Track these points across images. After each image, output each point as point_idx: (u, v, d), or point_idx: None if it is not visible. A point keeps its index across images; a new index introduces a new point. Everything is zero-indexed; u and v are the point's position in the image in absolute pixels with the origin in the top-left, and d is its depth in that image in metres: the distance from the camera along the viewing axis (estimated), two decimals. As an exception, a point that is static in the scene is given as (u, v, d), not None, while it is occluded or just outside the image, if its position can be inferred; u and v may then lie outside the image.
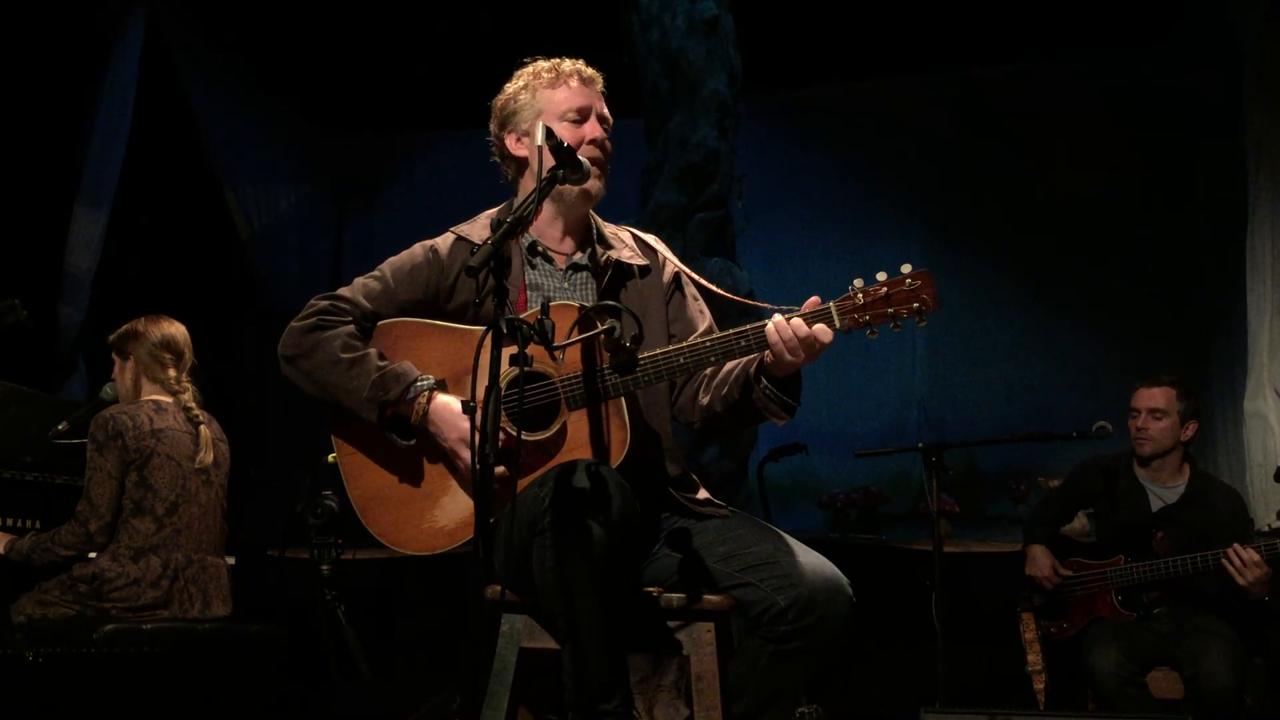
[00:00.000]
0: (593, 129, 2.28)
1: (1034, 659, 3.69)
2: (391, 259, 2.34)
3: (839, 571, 2.09)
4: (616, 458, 2.08)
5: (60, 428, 3.56)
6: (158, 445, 3.20)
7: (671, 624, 2.13)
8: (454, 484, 2.18)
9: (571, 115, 2.28)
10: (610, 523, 1.91)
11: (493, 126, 2.37)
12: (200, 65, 6.83)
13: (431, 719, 3.54)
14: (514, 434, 1.99)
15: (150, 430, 3.20)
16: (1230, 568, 3.37)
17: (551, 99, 2.29)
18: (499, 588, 2.07)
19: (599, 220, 2.39)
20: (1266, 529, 4.12)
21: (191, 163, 6.94)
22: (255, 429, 6.97)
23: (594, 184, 2.23)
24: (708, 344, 2.08)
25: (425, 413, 2.13)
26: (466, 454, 2.08)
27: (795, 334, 2.00)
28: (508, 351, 1.89)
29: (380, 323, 2.28)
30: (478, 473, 1.79)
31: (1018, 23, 7.20)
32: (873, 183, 8.48)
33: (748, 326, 2.06)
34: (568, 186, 2.17)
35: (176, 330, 3.40)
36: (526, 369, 2.00)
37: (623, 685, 2.00)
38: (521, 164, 2.34)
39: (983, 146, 8.07)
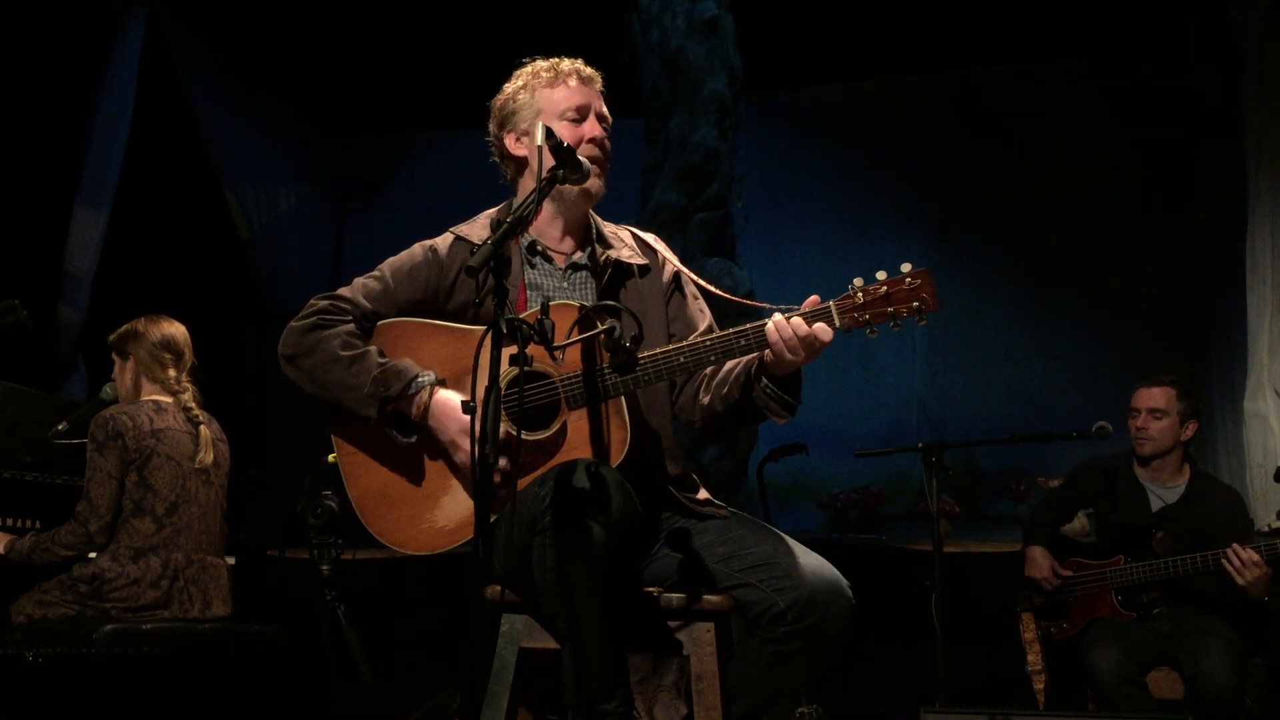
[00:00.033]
0: (592, 128, 2.28)
1: (1034, 659, 3.69)
2: (391, 259, 2.34)
3: (839, 573, 2.08)
4: (616, 457, 2.08)
5: (60, 428, 3.56)
6: (158, 445, 3.20)
7: (671, 624, 2.13)
8: (454, 483, 2.18)
9: (570, 114, 2.28)
10: (610, 523, 1.91)
11: (492, 126, 2.37)
12: (200, 65, 6.84)
13: (431, 719, 3.54)
14: (514, 433, 1.99)
15: (150, 430, 3.20)
16: (1230, 568, 3.37)
17: (550, 98, 2.29)
18: (499, 588, 2.07)
19: (598, 219, 2.39)
20: (1266, 529, 4.12)
21: (191, 163, 6.94)
22: (255, 429, 6.97)
23: (594, 183, 2.23)
24: (707, 343, 2.08)
25: (427, 407, 2.13)
26: (467, 446, 2.07)
27: (795, 333, 2.00)
28: (508, 351, 1.89)
29: (380, 323, 2.28)
30: (478, 473, 1.79)
31: (1018, 23, 7.20)
32: (873, 183, 8.48)
33: (747, 325, 2.06)
34: (568, 186, 2.17)
35: (176, 330, 3.40)
36: (526, 369, 2.00)
37: (623, 685, 2.00)
38: (521, 164, 2.34)
39: (983, 146, 8.07)
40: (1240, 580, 3.36)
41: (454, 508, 2.17)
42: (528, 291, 2.26)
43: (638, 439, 2.10)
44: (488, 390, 1.82)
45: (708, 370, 2.25)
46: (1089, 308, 7.90)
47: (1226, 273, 5.84)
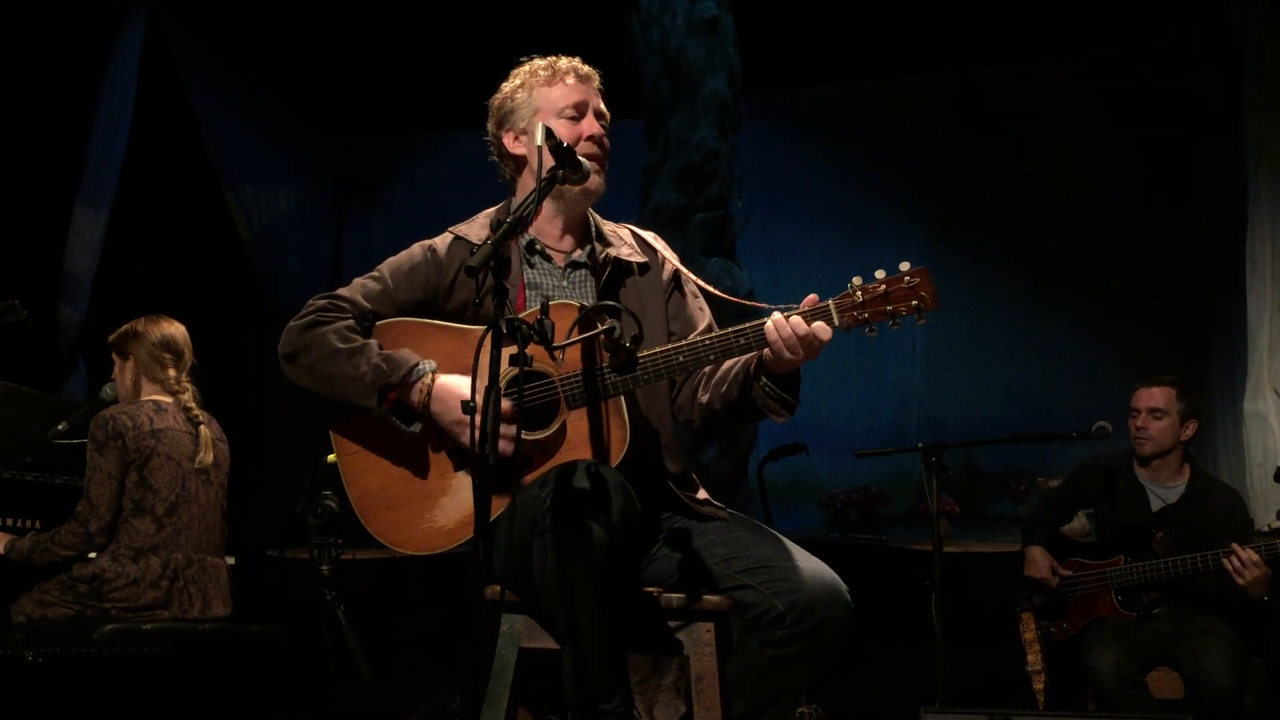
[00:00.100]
0: (590, 125, 2.28)
1: (1034, 659, 3.69)
2: (390, 259, 2.34)
3: (838, 577, 2.08)
4: (616, 457, 2.08)
5: (60, 428, 3.56)
6: (158, 445, 3.20)
7: (671, 624, 2.13)
8: (454, 483, 2.18)
9: (569, 112, 2.28)
10: (610, 523, 1.91)
11: (490, 125, 2.37)
12: (200, 65, 6.84)
13: (431, 719, 3.53)
14: (514, 433, 1.99)
15: (150, 430, 3.20)
16: (1230, 568, 3.37)
17: (548, 96, 2.29)
18: (499, 588, 2.07)
19: (598, 218, 2.39)
20: (1266, 529, 4.13)
21: (191, 163, 6.94)
22: (255, 429, 6.97)
23: (594, 181, 2.22)
24: (707, 342, 2.08)
25: (429, 392, 2.13)
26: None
27: (794, 331, 2.00)
28: (507, 351, 1.89)
29: (379, 322, 2.28)
30: (478, 473, 1.79)
31: (1018, 23, 7.21)
32: (873, 183, 8.48)
33: (747, 325, 2.06)
34: (568, 186, 2.16)
35: (176, 330, 3.40)
36: (526, 369, 2.00)
37: (623, 685, 2.00)
38: (520, 162, 2.34)
39: (983, 146, 8.07)
40: (1240, 580, 3.36)
41: (454, 507, 2.17)
42: (527, 291, 2.26)
43: (637, 438, 2.10)
44: (487, 390, 1.82)
45: (707, 369, 2.25)
46: (1089, 308, 7.90)
47: (1226, 273, 5.85)
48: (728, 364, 2.21)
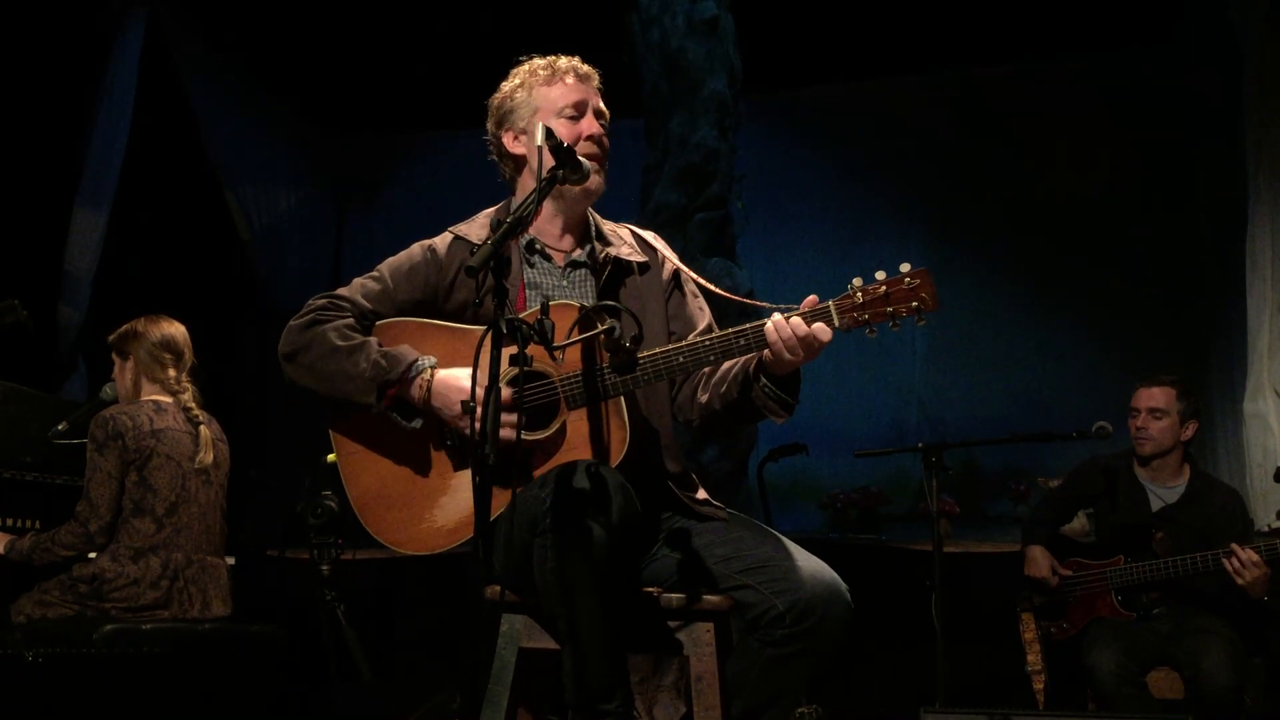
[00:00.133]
0: (589, 125, 2.28)
1: (1034, 659, 3.69)
2: (390, 259, 2.34)
3: (837, 577, 2.08)
4: (616, 457, 2.08)
5: (60, 428, 3.56)
6: (158, 445, 3.20)
7: (671, 624, 2.13)
8: (454, 483, 2.18)
9: (568, 111, 2.28)
10: (610, 523, 1.91)
11: (490, 125, 2.37)
12: (200, 65, 6.84)
13: (431, 719, 3.53)
14: (514, 434, 1.99)
15: (150, 430, 3.20)
16: (1230, 568, 3.37)
17: (548, 96, 2.29)
18: (499, 588, 2.07)
19: (598, 217, 2.39)
20: (1266, 529, 4.13)
21: (191, 163, 6.94)
22: (255, 429, 6.97)
23: (594, 180, 2.22)
24: (707, 343, 2.08)
25: (429, 386, 2.12)
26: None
27: (794, 332, 2.00)
28: (507, 351, 1.89)
29: (379, 322, 2.28)
30: (477, 473, 1.79)
31: (1018, 23, 7.20)
32: (873, 183, 8.48)
33: (747, 325, 2.06)
34: (568, 186, 2.16)
35: (176, 330, 3.40)
36: (526, 369, 2.00)
37: (623, 685, 2.00)
38: (519, 162, 2.34)
39: (983, 146, 8.07)
40: (1240, 580, 3.36)
41: (454, 507, 2.17)
42: (527, 290, 2.26)
43: (637, 438, 2.10)
44: (487, 390, 1.82)
45: (706, 369, 2.25)
46: (1089, 308, 7.90)
47: (1226, 273, 5.84)
48: (727, 364, 2.21)
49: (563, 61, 2.32)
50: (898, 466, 7.62)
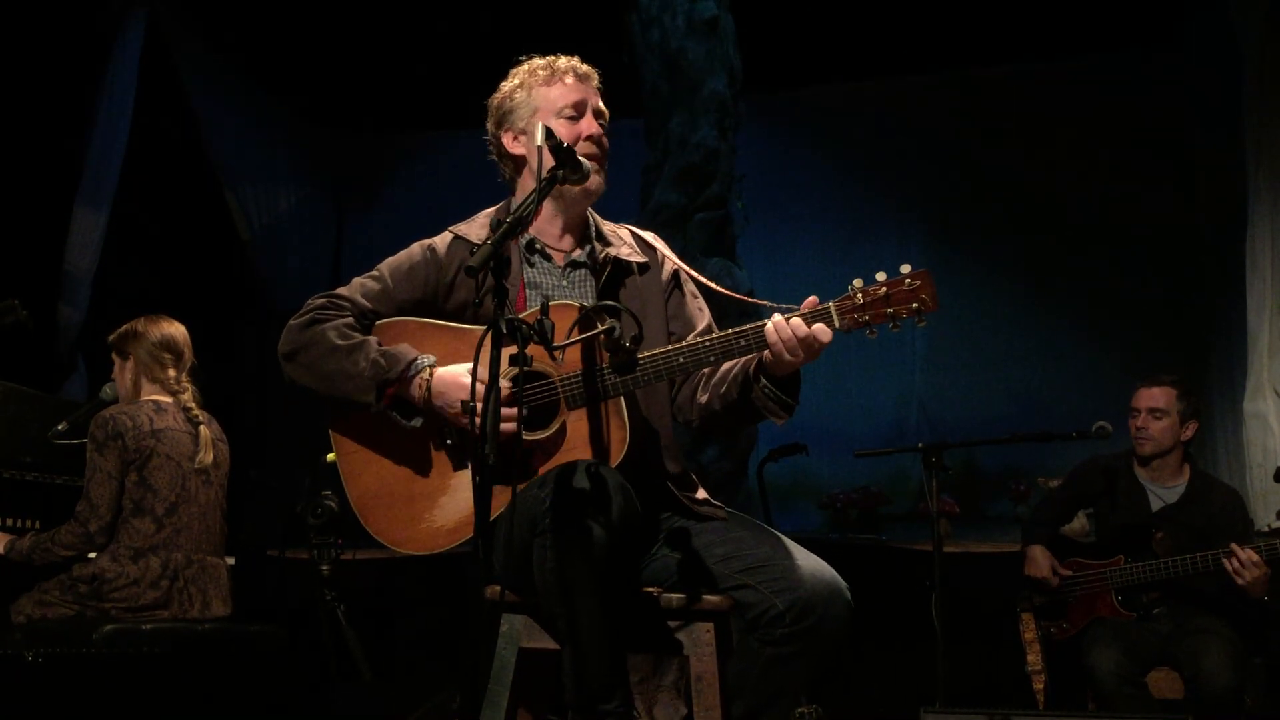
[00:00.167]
0: (589, 125, 2.28)
1: (1034, 659, 3.69)
2: (389, 259, 2.34)
3: (837, 575, 2.08)
4: (616, 457, 2.08)
5: (60, 428, 3.56)
6: (157, 445, 3.20)
7: (671, 624, 2.13)
8: (453, 483, 2.18)
9: (567, 111, 2.28)
10: (610, 523, 1.91)
11: (489, 125, 2.37)
12: (200, 65, 6.84)
13: (431, 719, 3.53)
14: (514, 434, 1.99)
15: (150, 430, 3.20)
16: (1230, 568, 3.37)
17: (547, 96, 2.29)
18: (499, 588, 2.07)
19: (598, 218, 2.39)
20: (1266, 529, 4.13)
21: (191, 163, 6.94)
22: (255, 429, 6.98)
23: (594, 180, 2.22)
24: (707, 343, 2.08)
25: (429, 386, 2.12)
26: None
27: (794, 333, 2.00)
28: (507, 351, 1.89)
29: (379, 322, 2.27)
30: (477, 473, 1.79)
31: (1018, 23, 7.20)
32: (872, 183, 8.48)
33: (747, 326, 2.06)
34: (568, 186, 2.16)
35: (176, 330, 3.40)
36: (526, 369, 2.00)
37: (623, 685, 2.00)
38: (519, 162, 2.34)
39: (983, 146, 8.07)
40: (1240, 580, 3.36)
41: (453, 507, 2.17)
42: (527, 290, 2.26)
43: (637, 439, 2.10)
44: (487, 390, 1.82)
45: (706, 370, 2.25)
46: (1089, 308, 7.90)
47: (1226, 273, 5.84)
48: (727, 365, 2.20)
49: (562, 61, 2.32)
50: (898, 466, 7.62)
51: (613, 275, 2.29)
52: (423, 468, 2.20)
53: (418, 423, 2.18)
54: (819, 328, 2.00)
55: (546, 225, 2.33)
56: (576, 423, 2.11)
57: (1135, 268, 7.64)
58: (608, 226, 2.40)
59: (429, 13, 7.11)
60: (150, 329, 3.36)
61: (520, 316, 1.88)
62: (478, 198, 2.48)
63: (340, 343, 2.17)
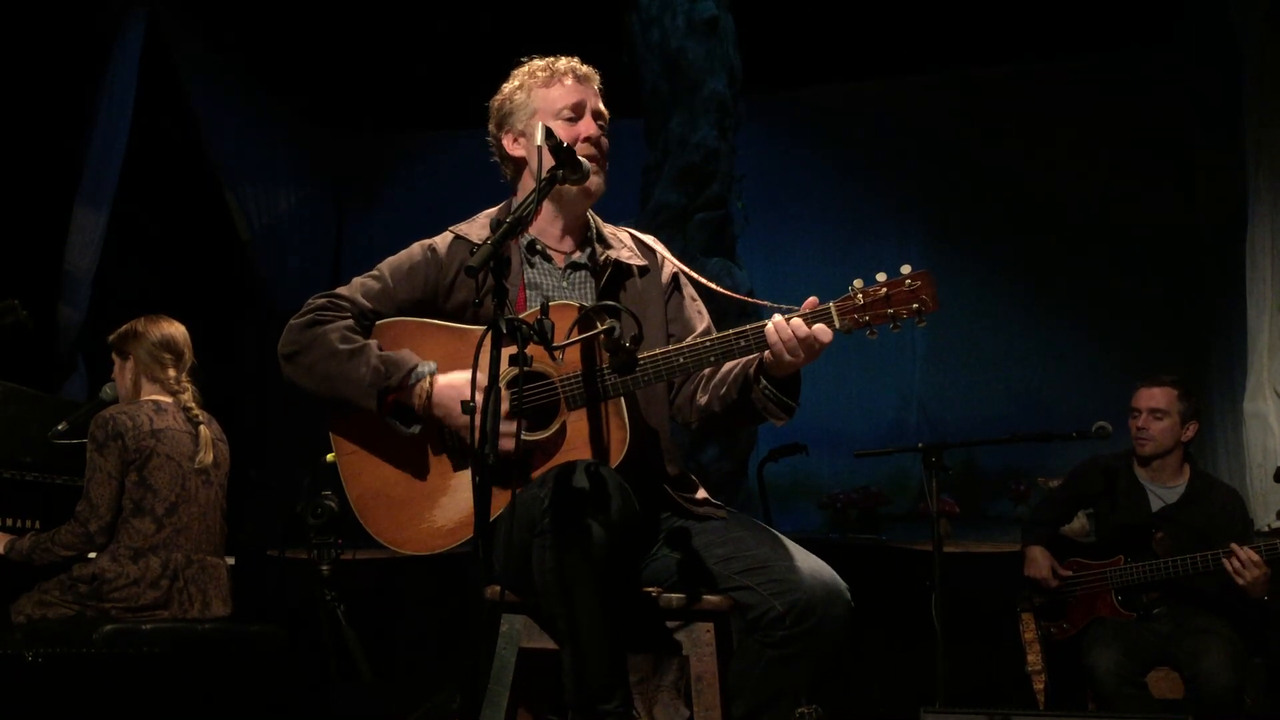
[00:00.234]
0: (587, 126, 2.28)
1: (1034, 659, 3.69)
2: (390, 259, 2.34)
3: (837, 576, 2.08)
4: (616, 457, 2.08)
5: (60, 428, 3.56)
6: (157, 445, 3.20)
7: (671, 624, 2.13)
8: (453, 483, 2.18)
9: (566, 113, 2.28)
10: (610, 523, 1.91)
11: (491, 127, 2.38)
12: (200, 65, 6.83)
13: (431, 719, 3.53)
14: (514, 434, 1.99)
15: (150, 430, 3.20)
16: (1230, 568, 3.37)
17: (546, 97, 2.29)
18: (499, 588, 2.07)
19: (598, 219, 2.39)
20: (1266, 529, 4.13)
21: (191, 163, 6.94)
22: (255, 429, 6.98)
23: (594, 181, 2.22)
24: (707, 344, 2.08)
25: (429, 395, 2.13)
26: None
27: (795, 334, 2.00)
28: (507, 351, 1.89)
29: (379, 322, 2.28)
30: (477, 473, 1.79)
31: (1018, 23, 7.20)
32: (872, 183, 8.48)
33: (747, 326, 2.06)
34: (568, 186, 2.16)
35: (176, 330, 3.40)
36: (526, 369, 2.00)
37: (623, 685, 2.00)
38: (519, 164, 2.34)
39: (983, 146, 8.07)
40: (1240, 580, 3.36)
41: (453, 507, 2.17)
42: (527, 291, 2.26)
43: (637, 439, 2.10)
44: (487, 390, 1.82)
45: (705, 371, 2.25)
46: (1089, 308, 7.89)
47: (1226, 273, 5.84)
48: (727, 366, 2.21)
49: (562, 63, 2.32)
50: (898, 466, 7.62)
51: (613, 277, 2.29)
52: (422, 468, 2.20)
53: (416, 430, 2.18)
54: (819, 328, 2.00)
55: (547, 226, 2.33)
56: (576, 423, 2.11)
57: (1135, 268, 7.64)
58: (608, 229, 2.40)
59: (429, 13, 7.11)
60: (150, 329, 3.36)
61: (520, 317, 1.88)
62: (478, 198, 2.48)
63: (342, 347, 2.17)
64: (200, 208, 7.14)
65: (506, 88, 2.35)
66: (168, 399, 3.34)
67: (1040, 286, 8.13)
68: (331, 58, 7.52)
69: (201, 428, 3.34)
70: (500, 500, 2.06)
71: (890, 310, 1.99)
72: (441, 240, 2.32)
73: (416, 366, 2.14)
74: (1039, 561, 3.76)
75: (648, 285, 2.33)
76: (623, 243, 2.38)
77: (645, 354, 2.09)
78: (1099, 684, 3.38)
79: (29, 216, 5.60)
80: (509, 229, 1.89)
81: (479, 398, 1.84)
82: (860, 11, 7.14)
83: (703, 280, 2.38)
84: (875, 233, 8.36)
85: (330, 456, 2.32)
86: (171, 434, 3.25)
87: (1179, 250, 7.20)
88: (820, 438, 6.60)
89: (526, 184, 2.32)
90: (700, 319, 2.38)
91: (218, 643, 3.21)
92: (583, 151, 2.20)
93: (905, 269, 2.00)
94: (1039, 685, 3.66)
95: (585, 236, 2.36)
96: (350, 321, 2.23)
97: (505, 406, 1.98)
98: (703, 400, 2.26)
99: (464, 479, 2.17)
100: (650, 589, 2.15)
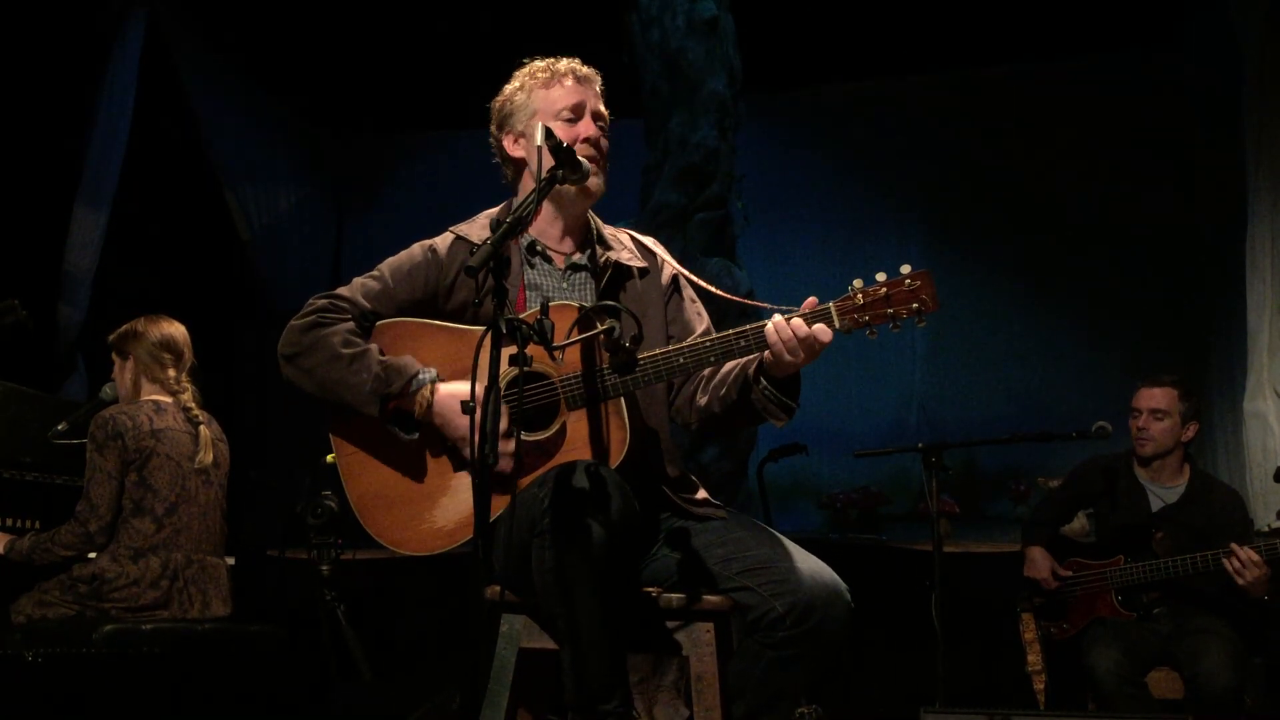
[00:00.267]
0: (586, 127, 2.28)
1: (1034, 659, 3.69)
2: (390, 259, 2.34)
3: (837, 577, 2.08)
4: (616, 458, 2.08)
5: (60, 428, 3.56)
6: (157, 445, 3.20)
7: (671, 624, 2.13)
8: (453, 483, 2.18)
9: (565, 114, 2.28)
10: (610, 523, 1.91)
11: (492, 128, 2.38)
12: (200, 65, 6.83)
13: (431, 719, 3.53)
14: (514, 434, 1.99)
15: (150, 430, 3.20)
16: (1230, 568, 3.37)
17: (546, 98, 2.29)
18: (499, 588, 2.07)
19: (598, 221, 2.39)
20: (1266, 529, 4.13)
21: (191, 163, 6.94)
22: (255, 429, 6.98)
23: (593, 182, 2.22)
24: (707, 344, 2.08)
25: (429, 405, 2.13)
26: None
27: (795, 334, 2.00)
28: (507, 351, 1.89)
29: (379, 323, 2.27)
30: (477, 473, 1.79)
31: (1018, 23, 7.20)
32: (873, 182, 8.48)
33: (747, 327, 2.06)
34: (567, 186, 2.16)
35: (176, 330, 3.40)
36: (526, 369, 2.00)
37: (622, 685, 2.00)
38: (520, 165, 2.34)
39: (983, 146, 8.07)
40: (1240, 580, 3.36)
41: (453, 507, 2.17)
42: (527, 292, 2.26)
43: (637, 440, 2.10)
44: (487, 390, 1.82)
45: (705, 372, 2.25)
46: (1089, 308, 7.90)
47: (1226, 273, 5.84)
48: (726, 366, 2.21)
49: (563, 64, 2.32)
50: (898, 466, 7.62)
51: (613, 279, 2.29)
52: (422, 469, 2.20)
53: (416, 436, 2.18)
54: (819, 328, 2.00)
55: (547, 227, 2.33)
56: (576, 423, 2.11)
57: (1135, 268, 7.64)
58: (608, 230, 2.40)
59: (429, 13, 7.11)
60: (150, 329, 3.36)
61: (520, 317, 1.88)
62: (478, 198, 2.48)
63: (344, 351, 2.17)
64: (200, 208, 7.14)
65: (507, 89, 2.35)
66: (168, 399, 3.34)
67: (1040, 286, 8.13)
68: (331, 58, 7.52)
69: (201, 428, 3.34)
70: (500, 501, 2.06)
71: (890, 310, 1.99)
72: (442, 241, 2.32)
73: (418, 374, 2.14)
74: (1038, 562, 3.76)
75: (648, 287, 2.33)
76: (623, 244, 2.38)
77: (645, 354, 2.08)
78: (1099, 684, 3.38)
79: (29, 216, 5.60)
80: (509, 229, 1.89)
81: (479, 398, 1.84)
82: (860, 11, 7.14)
83: (702, 283, 2.38)
84: (875, 233, 8.36)
85: (330, 457, 2.32)
86: (171, 434, 3.25)
87: (1179, 250, 7.20)
88: (820, 438, 6.60)
89: (527, 185, 2.32)
90: (700, 320, 2.38)
91: (218, 643, 3.21)
92: (582, 152, 2.20)
93: (905, 269, 2.00)
94: (1039, 685, 3.66)
95: (585, 238, 2.36)
96: (352, 324, 2.23)
97: (504, 423, 1.98)
98: (702, 401, 2.26)
99: (464, 479, 2.17)
100: (650, 589, 2.15)
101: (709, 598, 2.10)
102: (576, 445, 2.10)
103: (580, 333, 2.06)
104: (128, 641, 3.00)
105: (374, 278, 2.31)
